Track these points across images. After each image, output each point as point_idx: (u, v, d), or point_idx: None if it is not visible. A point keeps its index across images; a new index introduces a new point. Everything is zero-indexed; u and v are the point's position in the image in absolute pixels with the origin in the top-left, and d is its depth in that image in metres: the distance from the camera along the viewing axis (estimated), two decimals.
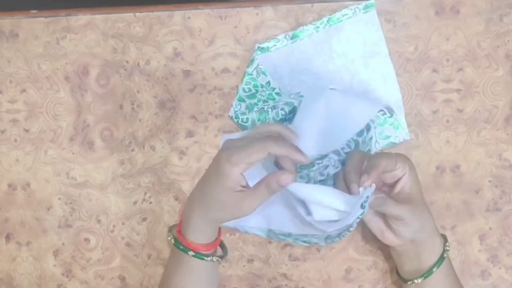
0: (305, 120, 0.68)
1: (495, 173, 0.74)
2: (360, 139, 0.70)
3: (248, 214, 0.61)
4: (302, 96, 0.71)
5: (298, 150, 0.60)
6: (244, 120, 0.73)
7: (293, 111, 0.71)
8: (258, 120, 0.72)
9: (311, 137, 0.67)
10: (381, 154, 0.66)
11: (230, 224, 0.72)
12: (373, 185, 0.61)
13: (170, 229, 0.66)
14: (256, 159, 0.58)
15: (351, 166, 0.64)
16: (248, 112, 0.72)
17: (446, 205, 0.74)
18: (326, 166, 0.71)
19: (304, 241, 0.72)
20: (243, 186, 0.61)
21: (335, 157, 0.71)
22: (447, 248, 0.67)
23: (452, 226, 0.74)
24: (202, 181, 0.63)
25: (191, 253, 0.63)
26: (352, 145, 0.70)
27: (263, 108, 0.72)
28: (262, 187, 0.60)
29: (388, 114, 0.71)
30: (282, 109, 0.71)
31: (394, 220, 0.64)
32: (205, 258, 0.64)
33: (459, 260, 0.75)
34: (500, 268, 0.75)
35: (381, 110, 0.71)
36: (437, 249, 0.66)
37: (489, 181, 0.74)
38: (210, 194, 0.61)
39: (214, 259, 0.65)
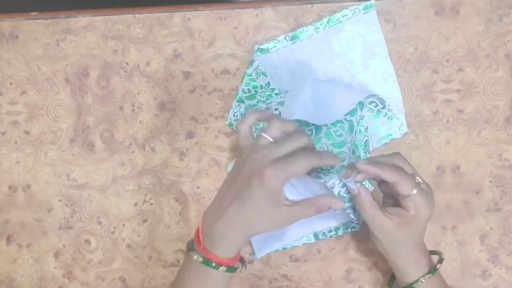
0: (291, 109, 0.68)
1: (496, 173, 0.74)
2: (353, 119, 0.70)
3: (289, 225, 0.61)
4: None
5: (333, 156, 0.61)
6: (237, 128, 0.73)
7: None
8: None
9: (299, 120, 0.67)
10: (405, 175, 0.62)
11: (279, 246, 0.73)
12: (358, 186, 0.62)
13: (190, 247, 0.62)
14: (302, 173, 0.59)
15: (387, 163, 0.63)
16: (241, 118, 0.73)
17: (447, 205, 0.74)
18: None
19: (353, 227, 0.72)
20: (286, 200, 0.60)
21: (328, 142, 0.70)
22: (422, 281, 0.65)
23: (452, 226, 0.74)
24: (241, 199, 0.59)
25: (222, 268, 0.61)
26: (346, 126, 0.70)
27: (256, 110, 0.72)
28: (311, 208, 0.60)
29: (381, 106, 0.71)
30: (276, 109, 0.71)
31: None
32: (236, 271, 0.62)
33: (460, 260, 0.75)
34: (500, 269, 0.75)
35: (373, 102, 0.71)
36: (409, 278, 0.65)
37: (490, 181, 0.74)
38: (259, 213, 0.58)
39: (243, 270, 0.64)
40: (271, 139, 0.60)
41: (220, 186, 0.62)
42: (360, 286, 0.75)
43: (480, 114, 0.74)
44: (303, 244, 0.74)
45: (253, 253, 0.74)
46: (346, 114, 0.70)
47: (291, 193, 0.61)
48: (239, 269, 0.63)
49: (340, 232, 0.73)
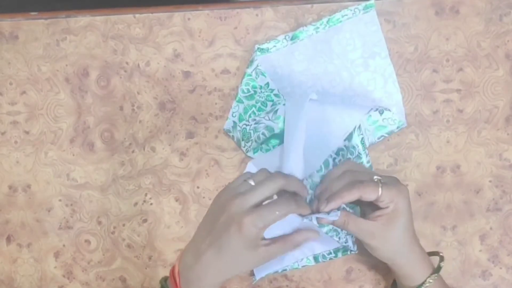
0: (292, 143, 0.67)
1: (496, 173, 0.74)
2: (350, 144, 0.70)
3: (267, 262, 0.61)
4: (280, 117, 0.71)
5: (306, 206, 0.62)
6: (231, 136, 0.74)
7: (273, 137, 0.72)
8: (242, 139, 0.73)
9: (300, 157, 0.66)
10: (363, 184, 0.62)
11: (279, 268, 0.73)
12: (337, 213, 0.62)
13: (165, 286, 0.62)
14: (280, 220, 0.59)
15: (329, 183, 0.64)
16: (233, 130, 0.73)
17: (447, 205, 0.74)
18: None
19: (352, 250, 0.72)
20: (262, 239, 0.61)
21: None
22: (430, 281, 0.65)
23: (452, 226, 0.74)
24: (219, 245, 0.59)
25: None
26: (345, 153, 0.70)
27: (245, 128, 0.72)
28: (288, 244, 0.61)
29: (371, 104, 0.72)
30: (263, 133, 0.72)
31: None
32: None
33: (460, 260, 0.75)
34: (500, 268, 0.75)
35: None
36: (416, 280, 0.65)
37: (490, 181, 0.74)
38: (236, 258, 0.59)
39: None
40: (253, 183, 0.61)
41: (198, 227, 0.62)
42: (360, 286, 0.75)
43: (480, 114, 0.74)
44: (303, 266, 0.74)
45: (252, 274, 0.74)
46: (345, 140, 0.70)
47: (269, 228, 0.61)
48: None
49: (339, 255, 0.73)
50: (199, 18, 0.74)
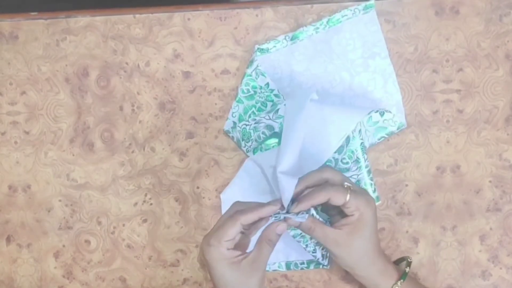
0: (289, 144, 0.67)
1: (496, 173, 0.74)
2: (340, 156, 0.70)
3: (263, 269, 0.63)
4: (281, 116, 0.71)
5: (263, 205, 0.63)
6: (231, 137, 0.73)
7: (273, 135, 0.72)
8: (242, 139, 0.72)
9: (296, 157, 0.67)
10: (332, 188, 0.63)
11: None
12: (305, 215, 0.63)
13: None
14: (233, 233, 0.61)
15: (304, 184, 0.64)
16: (232, 130, 0.73)
17: (447, 205, 0.74)
18: None
19: (324, 265, 0.73)
20: (239, 255, 0.62)
21: None
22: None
23: (452, 226, 0.74)
24: (214, 283, 0.63)
25: None
26: (332, 164, 0.70)
27: (245, 128, 0.72)
28: (264, 245, 0.63)
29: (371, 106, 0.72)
30: (263, 133, 0.72)
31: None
32: None
33: (460, 260, 0.75)
34: (500, 268, 0.75)
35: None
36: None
37: (490, 181, 0.74)
38: (231, 284, 0.61)
39: None
40: None
41: None
42: (360, 286, 0.75)
43: (480, 114, 0.74)
44: (274, 270, 0.74)
45: None
46: (334, 152, 0.70)
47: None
48: None
49: (311, 267, 0.74)
50: (199, 18, 0.74)
